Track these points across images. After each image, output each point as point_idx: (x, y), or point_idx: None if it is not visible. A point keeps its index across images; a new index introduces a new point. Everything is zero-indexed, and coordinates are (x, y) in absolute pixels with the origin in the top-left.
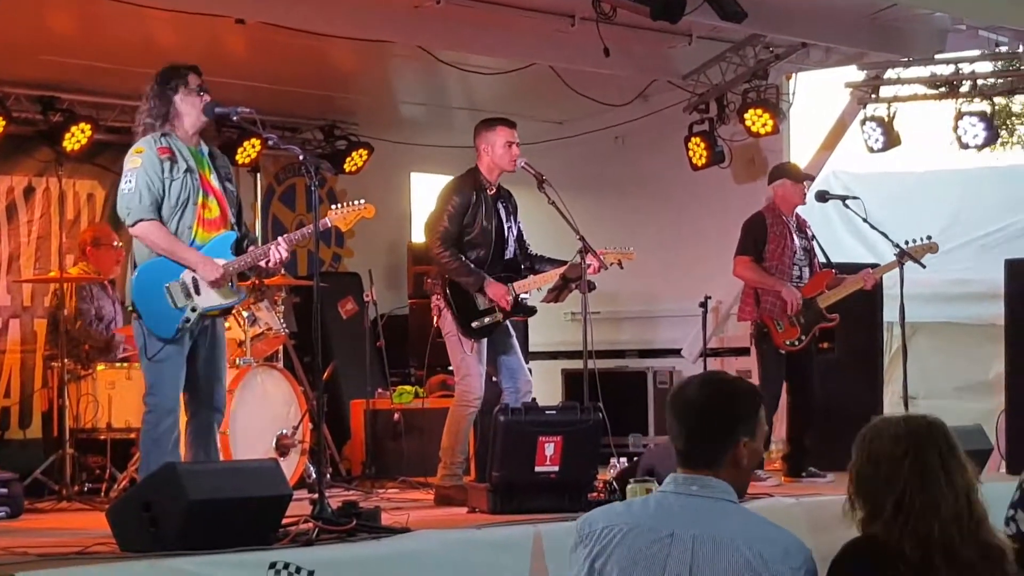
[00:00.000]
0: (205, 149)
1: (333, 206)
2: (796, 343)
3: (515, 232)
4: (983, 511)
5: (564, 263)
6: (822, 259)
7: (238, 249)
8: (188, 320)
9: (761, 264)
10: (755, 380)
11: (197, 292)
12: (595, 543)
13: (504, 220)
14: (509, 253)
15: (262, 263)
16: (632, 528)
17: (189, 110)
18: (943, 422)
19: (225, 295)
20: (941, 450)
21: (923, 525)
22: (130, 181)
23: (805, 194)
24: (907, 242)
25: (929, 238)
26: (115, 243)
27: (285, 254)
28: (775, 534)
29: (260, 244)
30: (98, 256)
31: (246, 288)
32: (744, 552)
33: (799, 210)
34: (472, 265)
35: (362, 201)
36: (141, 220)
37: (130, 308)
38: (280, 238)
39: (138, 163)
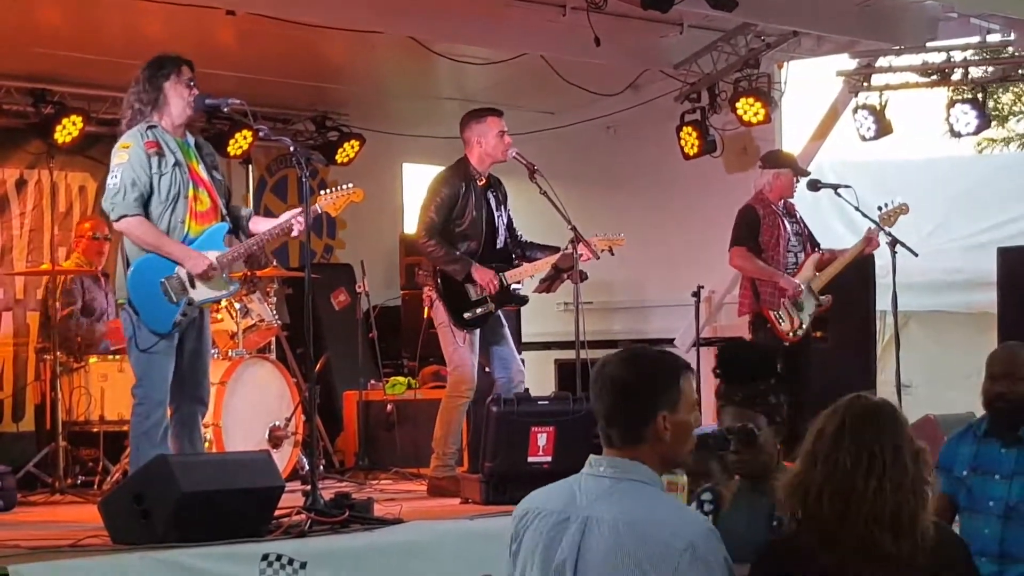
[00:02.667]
0: (191, 140)
1: (322, 192)
2: (798, 332)
3: (505, 221)
4: (912, 509)
5: (556, 249)
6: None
7: (231, 239)
8: (185, 315)
9: (759, 255)
10: None
11: (193, 285)
12: (516, 526)
13: (494, 209)
14: (500, 243)
15: (255, 250)
16: (540, 512)
17: (177, 100)
18: (893, 407)
19: (219, 287)
20: (871, 437)
21: (837, 506)
22: (115, 176)
23: (795, 186)
24: (879, 208)
25: (893, 202)
26: (104, 234)
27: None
28: (667, 516)
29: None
30: (90, 248)
31: (238, 279)
32: (623, 534)
33: None
34: (457, 253)
35: (350, 185)
36: (125, 216)
37: (125, 302)
38: (266, 230)
39: (124, 158)
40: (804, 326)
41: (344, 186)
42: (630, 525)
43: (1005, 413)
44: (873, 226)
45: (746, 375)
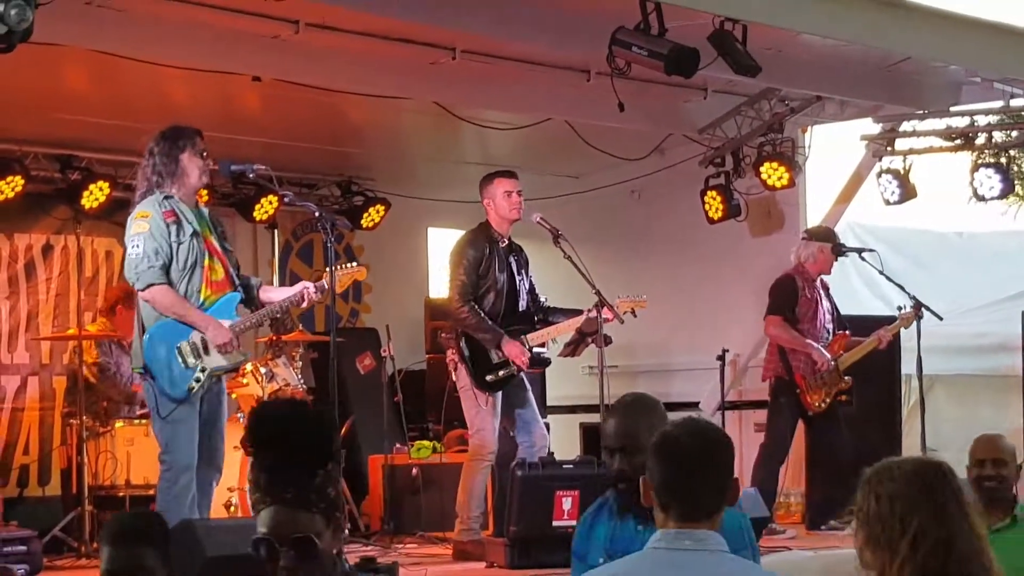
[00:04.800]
0: (205, 211)
1: (327, 268)
2: (822, 404)
3: (527, 285)
4: (989, 559)
5: (577, 312)
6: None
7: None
8: (199, 380)
9: (795, 326)
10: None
11: (206, 352)
12: None
13: (516, 273)
14: (522, 305)
15: (266, 320)
16: None
17: (194, 171)
18: (950, 466)
19: (231, 356)
20: (954, 489)
21: (935, 561)
22: (137, 246)
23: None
24: (900, 308)
25: (909, 306)
26: None
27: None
28: None
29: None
30: (126, 316)
31: (264, 343)
32: None
33: None
34: (490, 322)
35: (354, 264)
36: (152, 284)
37: (141, 370)
38: (278, 301)
39: (144, 228)
40: (828, 401)
41: (349, 264)
42: None
43: (627, 492)
44: (906, 303)
45: (301, 461)
